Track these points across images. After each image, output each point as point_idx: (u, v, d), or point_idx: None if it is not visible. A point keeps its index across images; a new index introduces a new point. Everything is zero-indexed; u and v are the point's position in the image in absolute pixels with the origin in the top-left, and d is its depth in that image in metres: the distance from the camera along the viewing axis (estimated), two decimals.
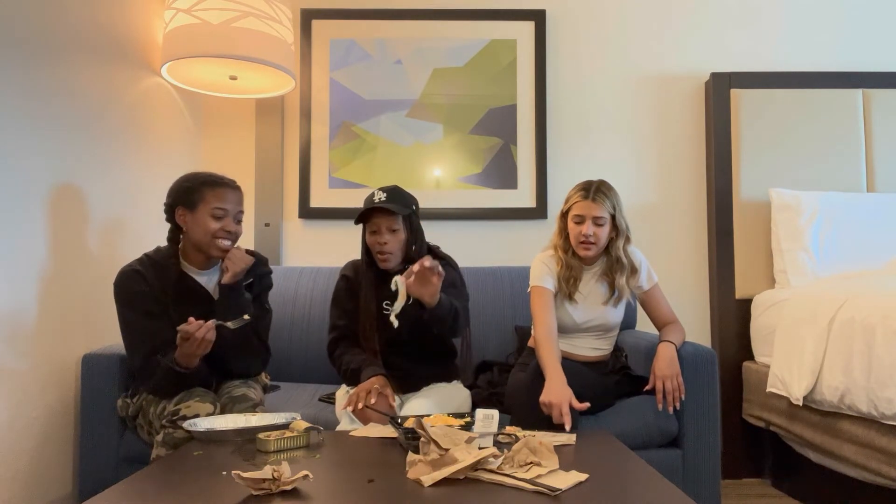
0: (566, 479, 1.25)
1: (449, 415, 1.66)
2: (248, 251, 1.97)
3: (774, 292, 2.61)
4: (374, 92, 2.91)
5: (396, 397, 1.98)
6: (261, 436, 1.53)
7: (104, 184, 2.18)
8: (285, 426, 1.62)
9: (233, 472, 1.21)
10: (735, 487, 2.58)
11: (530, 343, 2.19)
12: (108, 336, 2.16)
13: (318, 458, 1.46)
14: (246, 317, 1.82)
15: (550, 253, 2.13)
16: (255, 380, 2.03)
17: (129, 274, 1.85)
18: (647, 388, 1.98)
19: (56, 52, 1.95)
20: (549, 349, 1.92)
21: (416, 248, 2.00)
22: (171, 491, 1.24)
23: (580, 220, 2.04)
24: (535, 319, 2.03)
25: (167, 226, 1.94)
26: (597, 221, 2.02)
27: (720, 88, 2.82)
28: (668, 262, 2.86)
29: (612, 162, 2.93)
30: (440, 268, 1.75)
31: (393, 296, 2.01)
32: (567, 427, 1.69)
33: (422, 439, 1.37)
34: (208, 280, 1.92)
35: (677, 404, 1.94)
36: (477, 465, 1.30)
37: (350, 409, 1.79)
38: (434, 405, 1.88)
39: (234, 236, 1.90)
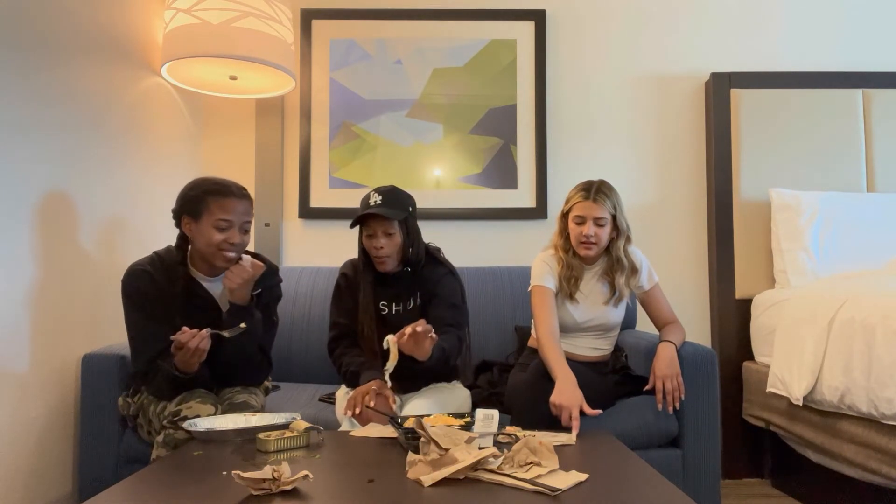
0: (566, 479, 1.26)
1: (449, 415, 1.66)
2: (258, 257, 1.93)
3: (774, 292, 2.61)
4: (374, 92, 2.91)
5: (396, 397, 1.98)
6: (261, 436, 1.53)
7: (104, 184, 2.18)
8: (285, 426, 1.62)
9: (233, 472, 1.21)
10: (735, 487, 2.58)
11: (530, 343, 2.19)
12: (108, 336, 2.16)
13: (318, 458, 1.46)
14: (242, 325, 1.80)
15: (551, 252, 2.13)
16: (257, 384, 2.02)
17: (137, 274, 1.82)
18: (647, 388, 1.98)
19: (56, 52, 1.95)
20: (554, 349, 1.92)
21: (414, 250, 2.00)
22: (171, 491, 1.24)
23: (581, 221, 2.04)
24: (537, 319, 2.03)
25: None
26: (598, 222, 2.02)
27: (720, 88, 2.82)
28: (668, 262, 2.86)
29: (612, 162, 2.93)
30: (433, 333, 1.75)
31: (392, 296, 2.02)
32: (574, 432, 1.68)
33: (422, 439, 1.37)
34: (215, 287, 1.89)
35: (677, 404, 1.94)
36: (477, 465, 1.30)
37: (350, 413, 1.79)
38: (434, 405, 1.88)
39: (239, 247, 1.84)
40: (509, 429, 1.64)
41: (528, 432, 1.62)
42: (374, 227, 1.94)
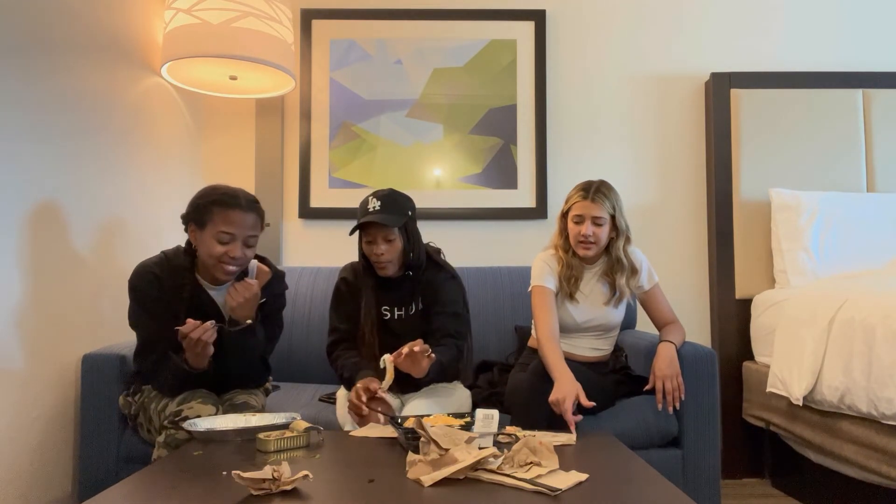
0: (566, 479, 1.26)
1: (449, 415, 1.66)
2: (264, 261, 1.92)
3: (774, 292, 2.61)
4: (374, 92, 2.91)
5: (397, 397, 1.98)
6: (261, 436, 1.53)
7: (104, 184, 2.18)
8: (285, 426, 1.62)
9: (233, 472, 1.21)
10: (735, 487, 2.58)
11: (530, 343, 2.19)
12: (108, 336, 2.16)
13: (318, 458, 1.46)
14: (249, 321, 1.80)
15: (551, 252, 2.13)
16: (257, 387, 2.02)
17: (145, 276, 1.80)
18: (647, 388, 1.98)
19: (55, 53, 1.95)
20: (554, 349, 1.92)
21: (414, 254, 1.98)
22: (171, 491, 1.24)
23: (579, 220, 2.04)
24: (537, 319, 2.03)
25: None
26: (596, 221, 2.02)
27: (720, 88, 2.82)
28: (668, 262, 2.87)
29: (612, 162, 2.93)
30: (431, 353, 1.75)
31: (393, 301, 2.01)
32: (571, 428, 1.69)
33: (422, 439, 1.37)
34: (220, 295, 1.87)
35: (677, 404, 1.94)
36: (477, 465, 1.30)
37: (355, 418, 1.79)
38: (434, 405, 1.88)
39: (241, 261, 1.79)
40: (509, 429, 1.64)
41: (528, 432, 1.61)
42: (374, 234, 1.92)
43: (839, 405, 1.98)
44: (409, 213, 1.97)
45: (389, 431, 1.66)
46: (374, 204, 1.92)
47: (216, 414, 1.73)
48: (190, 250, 1.84)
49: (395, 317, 2.02)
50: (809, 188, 2.71)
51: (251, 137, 2.91)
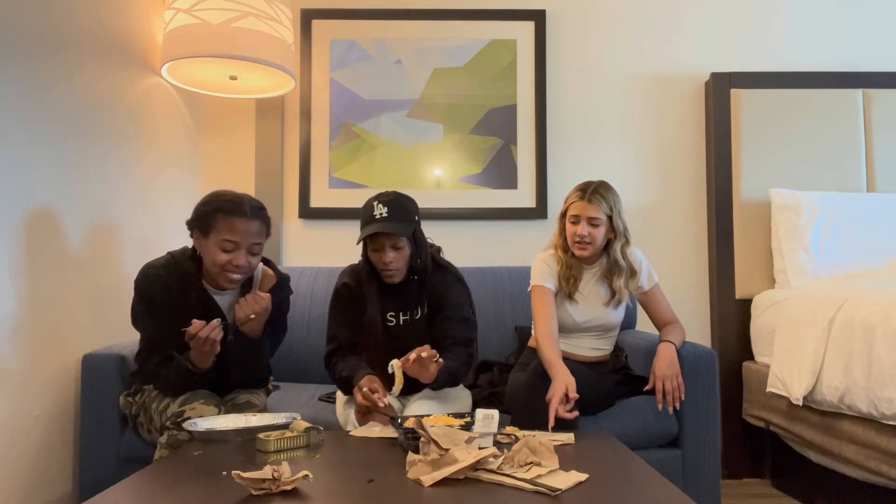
0: (566, 479, 1.26)
1: (449, 415, 1.66)
2: (269, 264, 1.91)
3: (774, 292, 2.61)
4: (374, 92, 2.91)
5: (398, 400, 1.97)
6: (261, 436, 1.53)
7: (104, 184, 2.18)
8: (285, 426, 1.62)
9: (233, 472, 1.21)
10: (735, 487, 2.58)
11: (530, 343, 2.19)
12: (109, 336, 2.16)
13: (318, 458, 1.46)
14: (252, 316, 1.79)
15: (551, 252, 2.13)
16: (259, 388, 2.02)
17: (152, 278, 1.78)
18: (647, 388, 1.98)
19: (56, 52, 1.95)
20: (552, 349, 1.92)
21: (422, 259, 1.95)
22: (171, 491, 1.24)
23: (576, 221, 2.04)
24: (536, 319, 2.03)
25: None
26: (592, 222, 2.02)
27: (720, 88, 2.82)
28: (668, 262, 2.86)
29: (612, 162, 2.93)
30: (439, 358, 1.74)
31: (398, 307, 1.99)
32: (550, 424, 1.68)
33: (422, 439, 1.37)
34: (225, 300, 1.86)
35: (677, 404, 1.94)
36: (477, 465, 1.30)
37: (362, 419, 1.78)
38: (435, 405, 1.88)
39: (246, 269, 1.77)
40: (509, 429, 1.64)
41: (527, 432, 1.62)
42: (382, 242, 1.87)
43: (839, 405, 1.98)
44: (416, 217, 1.94)
45: (389, 431, 1.66)
46: (381, 210, 1.86)
47: (219, 414, 1.73)
48: (196, 255, 1.82)
49: (401, 322, 1.99)
50: (809, 188, 2.71)
51: (251, 137, 2.91)
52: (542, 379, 1.87)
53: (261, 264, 1.88)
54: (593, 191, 2.03)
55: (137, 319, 1.83)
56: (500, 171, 2.90)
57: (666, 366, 1.95)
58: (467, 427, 1.52)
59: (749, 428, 2.64)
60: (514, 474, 1.28)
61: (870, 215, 2.60)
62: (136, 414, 1.86)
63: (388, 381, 1.79)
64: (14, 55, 1.77)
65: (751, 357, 2.69)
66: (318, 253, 2.89)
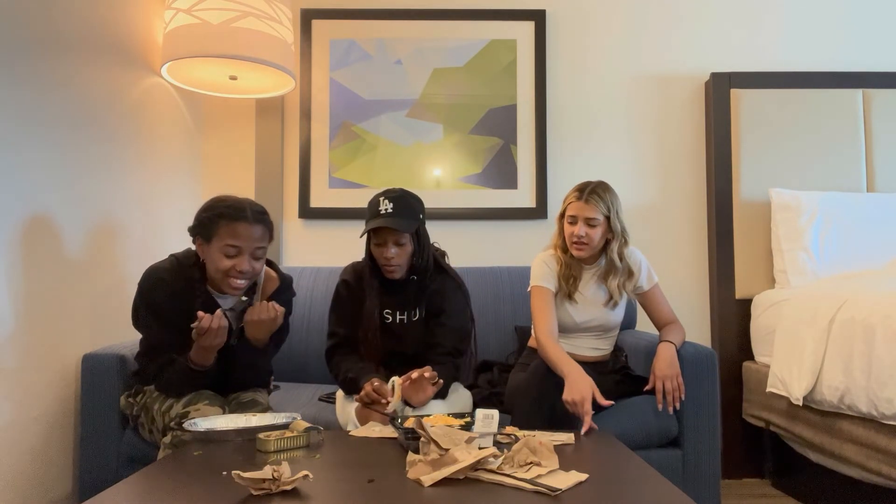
0: (566, 479, 1.25)
1: (449, 415, 1.66)
2: (271, 266, 1.90)
3: (774, 292, 2.61)
4: (374, 92, 2.91)
5: (400, 403, 1.97)
6: (261, 436, 1.53)
7: (104, 184, 2.18)
8: (285, 426, 1.62)
9: (233, 472, 1.21)
10: (735, 487, 2.58)
11: (530, 343, 2.19)
12: (109, 336, 2.16)
13: (318, 458, 1.46)
14: (244, 298, 1.79)
15: (551, 252, 2.13)
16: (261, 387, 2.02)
17: (156, 281, 1.78)
18: (647, 388, 1.98)
19: (56, 52, 1.95)
20: (555, 347, 1.92)
21: (423, 259, 1.96)
22: (171, 491, 1.24)
23: (573, 221, 2.04)
24: (536, 319, 2.03)
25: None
26: (589, 222, 2.02)
27: (720, 88, 2.82)
28: (668, 262, 2.87)
29: (612, 162, 2.93)
30: (439, 380, 1.76)
31: (397, 305, 1.99)
32: (585, 428, 1.68)
33: (422, 439, 1.37)
34: (228, 304, 1.85)
35: (677, 404, 1.94)
36: (477, 465, 1.30)
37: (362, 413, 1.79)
38: (435, 405, 1.88)
39: (250, 275, 1.77)
40: (509, 429, 1.64)
41: (527, 432, 1.62)
42: (385, 236, 1.90)
43: (839, 405, 1.98)
44: (421, 216, 1.95)
45: (389, 431, 1.66)
46: (387, 206, 1.88)
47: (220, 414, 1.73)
48: (199, 261, 1.81)
49: (397, 321, 2.00)
50: (809, 188, 2.71)
51: (251, 137, 2.91)
52: (542, 379, 1.87)
53: (264, 266, 1.88)
54: (591, 191, 2.03)
55: (140, 321, 1.83)
56: (500, 171, 2.90)
57: (666, 366, 1.95)
58: (467, 427, 1.52)
59: (749, 428, 2.64)
60: (514, 474, 1.28)
61: (870, 215, 2.60)
62: (137, 414, 1.86)
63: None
64: (13, 55, 1.77)
65: (751, 357, 2.69)
66: (318, 253, 2.89)
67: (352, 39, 2.93)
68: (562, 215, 2.11)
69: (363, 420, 1.80)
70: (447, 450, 1.31)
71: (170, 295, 1.77)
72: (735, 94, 2.79)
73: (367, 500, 1.18)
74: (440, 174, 2.91)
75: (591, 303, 2.11)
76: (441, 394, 1.88)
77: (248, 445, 1.56)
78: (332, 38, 2.92)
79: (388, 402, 1.75)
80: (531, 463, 1.32)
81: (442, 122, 2.91)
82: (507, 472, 1.29)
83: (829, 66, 2.93)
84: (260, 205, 1.83)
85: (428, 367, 1.76)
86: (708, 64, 2.93)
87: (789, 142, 2.77)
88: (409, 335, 2.00)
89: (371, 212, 1.92)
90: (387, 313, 2.00)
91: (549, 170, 2.90)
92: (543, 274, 2.07)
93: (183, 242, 1.90)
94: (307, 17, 2.92)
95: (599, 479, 1.29)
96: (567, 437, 1.62)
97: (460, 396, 2.04)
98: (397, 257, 1.91)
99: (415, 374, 1.74)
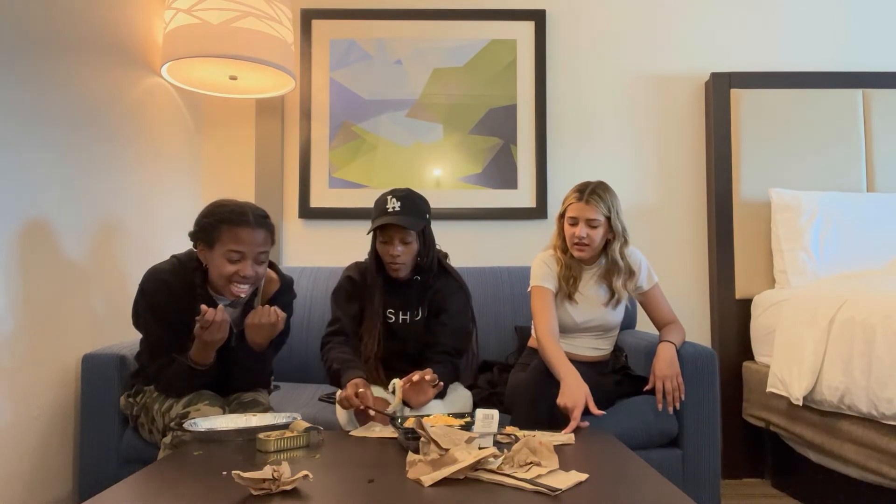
0: (566, 479, 1.25)
1: (449, 415, 1.66)
2: (272, 267, 1.90)
3: (774, 292, 2.61)
4: (374, 92, 2.91)
5: (401, 404, 1.97)
6: (261, 436, 1.53)
7: (103, 184, 2.18)
8: (285, 426, 1.62)
9: (233, 472, 1.21)
10: (735, 487, 2.58)
11: (530, 343, 2.19)
12: (109, 336, 2.16)
13: (318, 458, 1.46)
14: (242, 295, 1.78)
15: (551, 252, 2.13)
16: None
17: (158, 283, 1.77)
18: (647, 388, 1.98)
19: (56, 52, 1.95)
20: (555, 348, 1.92)
21: (427, 259, 1.97)
22: (171, 491, 1.24)
23: (574, 222, 2.04)
24: (536, 319, 2.03)
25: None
26: (590, 223, 2.02)
27: (720, 88, 2.82)
28: (668, 262, 2.86)
29: (612, 162, 2.93)
30: (439, 383, 1.77)
31: (399, 305, 2.00)
32: (570, 431, 1.68)
33: (422, 439, 1.37)
34: (229, 307, 1.85)
35: (677, 404, 1.94)
36: (477, 465, 1.30)
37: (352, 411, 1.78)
38: (434, 405, 1.88)
39: (253, 280, 1.76)
40: (509, 429, 1.64)
41: (527, 432, 1.62)
42: (392, 235, 1.91)
43: (839, 405, 1.98)
44: (427, 216, 1.97)
45: (389, 431, 1.66)
46: (394, 204, 1.90)
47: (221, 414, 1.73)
48: (201, 266, 1.80)
49: (400, 321, 2.01)
50: (809, 188, 2.71)
51: (251, 137, 2.91)
52: (543, 379, 1.87)
53: (271, 272, 1.88)
54: (591, 192, 2.03)
55: (140, 322, 1.83)
56: (500, 171, 2.90)
57: (666, 366, 1.95)
58: (467, 427, 1.52)
59: (749, 428, 2.64)
60: (514, 474, 1.28)
61: (870, 215, 2.60)
62: (137, 414, 1.86)
63: (375, 378, 1.80)
64: (13, 55, 1.77)
65: (751, 357, 2.69)
66: (318, 253, 2.89)
67: (352, 39, 2.93)
68: (561, 216, 2.11)
69: (363, 420, 1.80)
70: (447, 450, 1.31)
71: (171, 296, 1.77)
72: (735, 94, 2.79)
73: (367, 500, 1.18)
74: (440, 174, 2.91)
75: (591, 303, 2.11)
76: (440, 394, 1.88)
77: (248, 445, 1.56)
78: (332, 38, 2.92)
79: (368, 408, 1.73)
80: (531, 463, 1.32)
81: (442, 122, 2.91)
82: (507, 472, 1.29)
83: (829, 66, 2.93)
84: (261, 208, 1.83)
85: (429, 370, 1.77)
86: (708, 64, 2.93)
87: (789, 142, 2.77)
88: (411, 335, 2.00)
89: (378, 210, 1.94)
90: (389, 313, 2.01)
91: (549, 170, 2.90)
92: (543, 274, 2.07)
93: (182, 242, 1.90)
94: (307, 17, 2.92)
95: (599, 479, 1.30)
96: (567, 437, 1.62)
97: (460, 396, 2.04)
98: (403, 255, 1.92)
99: (416, 376, 1.74)
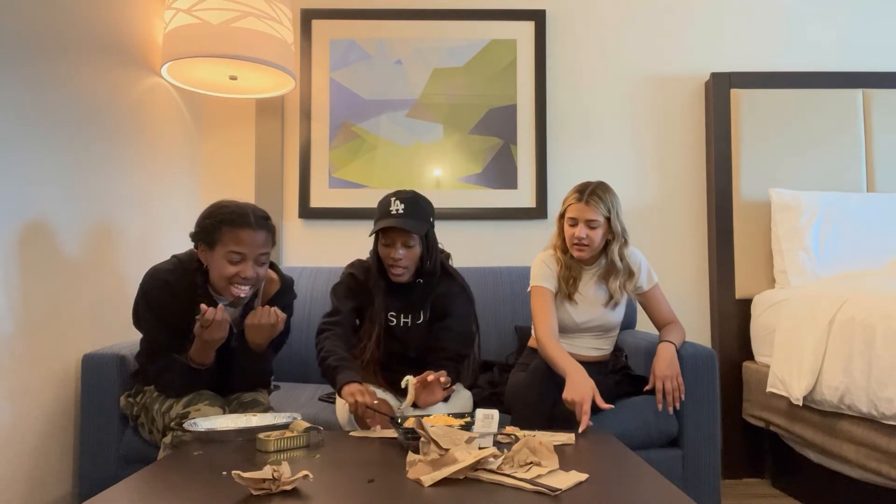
0: (566, 479, 1.25)
1: (449, 415, 1.66)
2: (272, 267, 1.90)
3: (774, 292, 2.61)
4: (374, 92, 2.91)
5: (398, 400, 1.97)
6: (261, 436, 1.53)
7: (103, 184, 2.18)
8: (285, 426, 1.62)
9: (233, 472, 1.21)
10: (735, 487, 2.58)
11: (530, 343, 2.19)
12: (109, 336, 2.16)
13: (318, 458, 1.46)
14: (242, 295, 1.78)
15: (550, 253, 2.13)
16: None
17: (159, 284, 1.76)
18: (648, 388, 1.98)
19: (56, 52, 1.95)
20: (556, 347, 1.92)
21: (430, 263, 1.95)
22: (171, 491, 1.24)
23: (574, 223, 2.04)
24: (536, 319, 2.03)
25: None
26: (590, 224, 2.02)
27: (720, 88, 2.82)
28: (668, 262, 2.87)
29: (612, 162, 2.93)
30: (451, 387, 1.77)
31: (401, 308, 1.98)
32: (582, 427, 1.68)
33: (422, 439, 1.37)
34: (230, 308, 1.85)
35: (677, 404, 1.94)
36: (477, 465, 1.30)
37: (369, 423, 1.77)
38: (438, 405, 1.87)
39: (254, 281, 1.75)
40: (509, 429, 1.64)
41: (527, 432, 1.62)
42: (394, 238, 1.89)
43: (839, 405, 1.98)
44: (431, 220, 1.95)
45: (389, 431, 1.66)
46: (398, 206, 1.87)
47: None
48: (202, 267, 1.80)
49: (401, 324, 1.99)
50: (809, 188, 2.71)
51: (251, 137, 2.91)
52: (543, 379, 1.87)
53: (272, 272, 1.88)
54: (591, 192, 2.03)
55: (140, 321, 1.83)
56: (500, 171, 2.90)
57: (666, 366, 1.95)
58: (467, 427, 1.52)
59: (749, 428, 2.64)
60: (514, 474, 1.28)
61: (870, 215, 2.60)
62: (137, 414, 1.86)
63: (373, 381, 1.80)
64: (13, 55, 1.77)
65: (751, 357, 2.69)
66: (318, 253, 2.89)
67: (352, 39, 2.93)
68: (561, 216, 2.11)
69: (364, 427, 1.79)
70: (447, 450, 1.31)
71: (172, 296, 1.76)
72: (735, 94, 2.79)
73: (367, 500, 1.18)
74: (440, 174, 2.91)
75: (591, 303, 2.11)
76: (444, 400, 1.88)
77: (248, 445, 1.56)
78: (332, 38, 2.92)
79: (373, 410, 1.72)
80: (531, 463, 1.32)
81: (442, 122, 2.91)
82: (507, 472, 1.29)
83: (829, 66, 2.93)
84: (262, 210, 1.83)
85: (443, 372, 1.76)
86: (708, 64, 2.93)
87: (789, 142, 2.77)
88: (412, 338, 1.99)
89: (381, 211, 1.91)
90: (391, 315, 1.99)
91: (549, 170, 2.90)
92: (543, 274, 2.07)
93: (182, 242, 1.90)
94: (307, 17, 2.92)
95: (599, 479, 1.29)
96: (567, 437, 1.62)
97: (460, 396, 2.03)
98: (405, 259, 1.90)
99: (431, 376, 1.73)
